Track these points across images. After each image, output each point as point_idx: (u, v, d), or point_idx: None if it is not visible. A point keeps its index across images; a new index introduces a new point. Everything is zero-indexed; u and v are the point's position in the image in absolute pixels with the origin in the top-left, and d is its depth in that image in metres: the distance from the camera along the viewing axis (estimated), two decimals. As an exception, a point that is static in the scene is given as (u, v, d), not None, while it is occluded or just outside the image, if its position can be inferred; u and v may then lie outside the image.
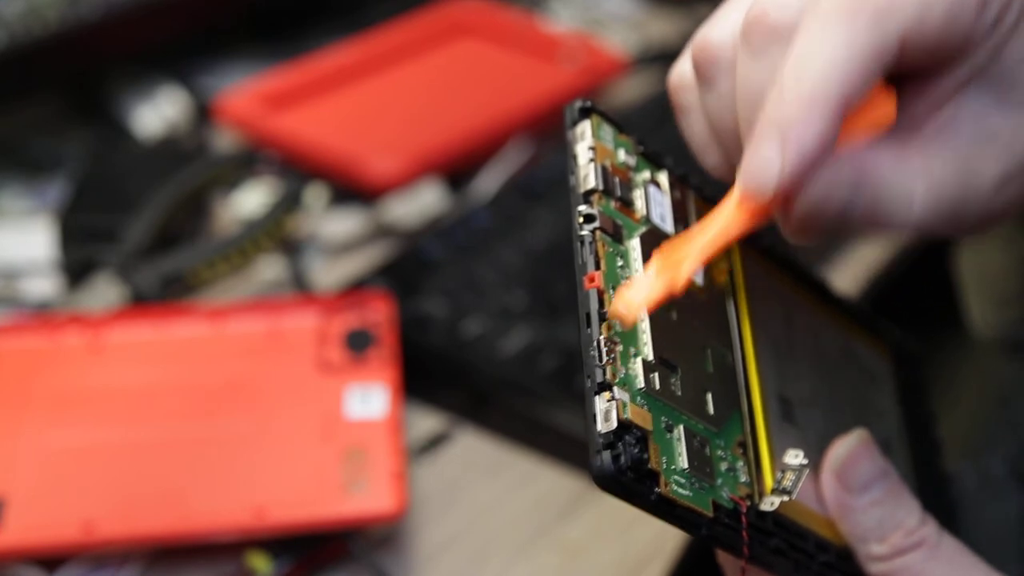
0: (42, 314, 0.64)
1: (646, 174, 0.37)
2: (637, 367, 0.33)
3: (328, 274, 0.69)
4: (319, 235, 0.72)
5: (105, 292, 0.67)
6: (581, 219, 0.34)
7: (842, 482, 0.37)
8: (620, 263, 0.34)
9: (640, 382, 0.32)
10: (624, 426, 0.31)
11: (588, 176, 0.35)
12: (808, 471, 0.35)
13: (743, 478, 0.35)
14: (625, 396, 0.31)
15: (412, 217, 0.72)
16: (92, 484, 0.53)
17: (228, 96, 0.80)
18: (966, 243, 0.65)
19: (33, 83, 0.79)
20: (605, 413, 0.31)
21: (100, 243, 0.68)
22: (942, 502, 0.44)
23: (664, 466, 0.32)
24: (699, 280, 0.37)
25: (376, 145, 0.75)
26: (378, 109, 0.81)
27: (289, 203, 0.70)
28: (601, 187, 0.35)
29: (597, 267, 0.33)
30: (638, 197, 0.36)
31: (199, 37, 0.87)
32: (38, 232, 0.70)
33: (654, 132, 0.78)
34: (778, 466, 0.36)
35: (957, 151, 0.35)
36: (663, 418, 0.33)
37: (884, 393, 0.44)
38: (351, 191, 0.74)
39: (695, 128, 0.38)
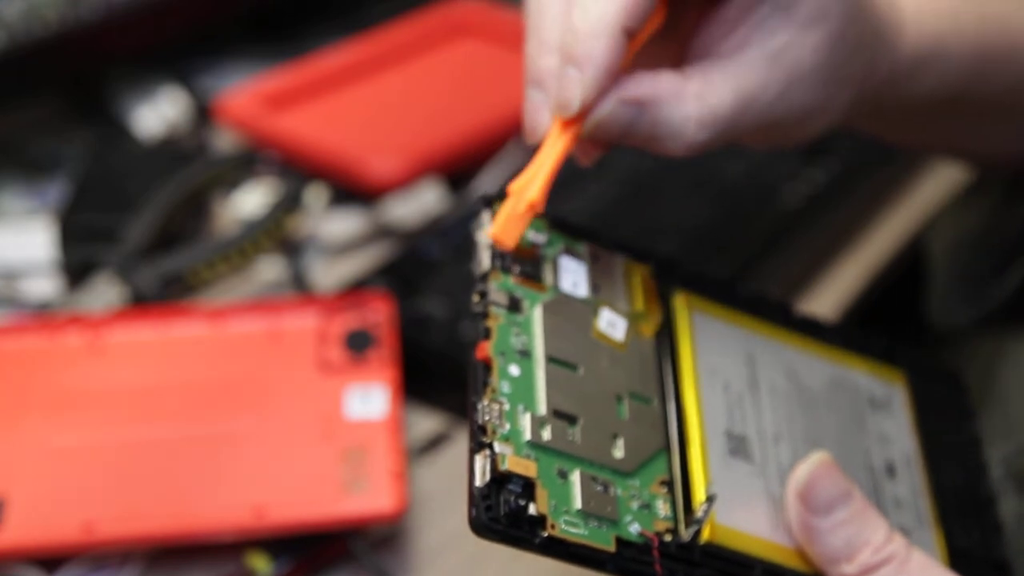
0: (42, 314, 0.64)
1: (559, 247, 0.41)
2: (526, 421, 0.36)
3: (328, 274, 0.69)
4: (319, 235, 0.72)
5: (105, 292, 0.67)
6: (476, 297, 0.38)
7: (806, 504, 0.38)
8: (516, 331, 0.38)
9: (527, 435, 0.35)
10: (504, 477, 0.34)
11: (483, 260, 0.39)
12: (715, 501, 0.37)
13: (663, 514, 0.37)
14: (508, 449, 0.35)
15: (412, 217, 0.72)
16: (92, 484, 0.53)
17: (228, 96, 0.80)
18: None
19: (33, 83, 0.79)
20: (481, 469, 0.34)
21: (100, 243, 0.68)
22: (986, 525, 0.44)
23: (553, 509, 0.35)
24: (619, 336, 0.40)
25: (376, 145, 0.75)
26: (378, 109, 0.81)
27: (289, 203, 0.70)
28: (499, 266, 0.39)
29: (487, 337, 0.37)
30: (547, 270, 0.40)
31: (199, 37, 0.87)
32: (38, 232, 0.70)
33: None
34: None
35: (740, 71, 0.40)
36: (556, 465, 0.36)
37: (893, 418, 0.44)
38: (351, 191, 0.74)
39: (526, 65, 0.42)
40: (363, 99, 0.82)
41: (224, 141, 0.81)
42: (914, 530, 0.42)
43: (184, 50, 0.86)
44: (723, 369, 0.41)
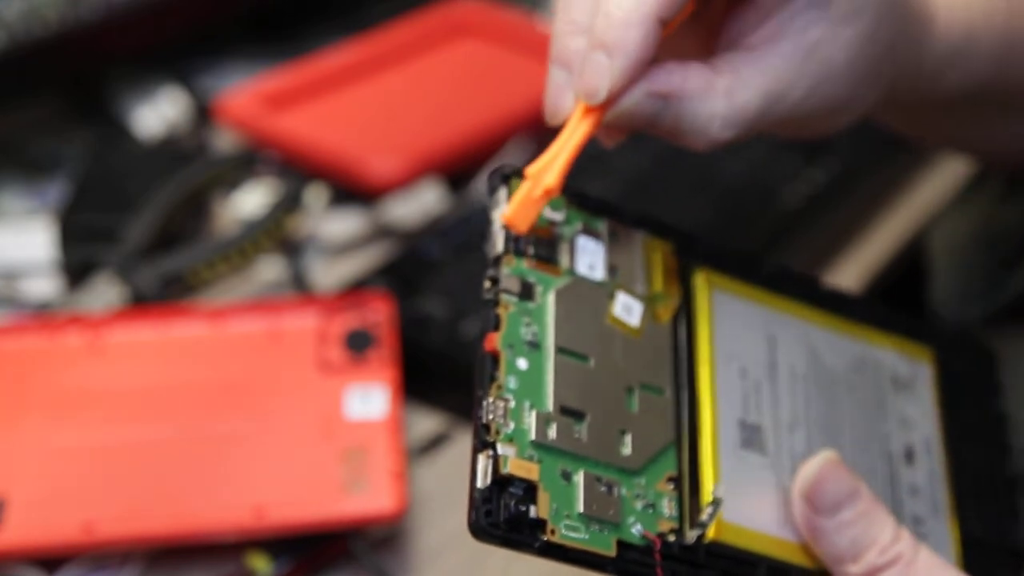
0: (42, 314, 0.64)
1: (578, 225, 0.39)
2: (531, 420, 0.35)
3: (328, 274, 0.69)
4: (319, 235, 0.72)
5: (105, 292, 0.67)
6: (487, 283, 0.37)
7: (811, 504, 0.37)
8: (527, 321, 0.37)
9: (532, 434, 0.35)
10: (505, 480, 0.34)
11: (497, 242, 0.38)
12: (722, 505, 0.36)
13: (668, 512, 0.36)
14: (510, 451, 0.34)
15: (412, 217, 0.72)
16: (92, 484, 0.53)
17: (228, 96, 0.80)
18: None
19: (33, 83, 0.79)
20: (483, 470, 0.34)
21: (100, 243, 0.68)
22: (1004, 509, 0.44)
23: (554, 513, 0.34)
24: (635, 322, 0.39)
25: (376, 145, 0.75)
26: (378, 109, 0.81)
27: (289, 203, 0.70)
28: (512, 249, 0.38)
29: (496, 328, 0.36)
30: (563, 251, 0.39)
31: (199, 37, 0.87)
32: (38, 232, 0.70)
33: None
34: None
35: (772, 67, 0.39)
36: (560, 466, 0.35)
37: (917, 399, 0.44)
38: (351, 191, 0.74)
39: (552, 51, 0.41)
40: (363, 99, 0.82)
41: (224, 141, 0.80)
42: (928, 519, 0.41)
43: (184, 50, 0.86)
44: (741, 353, 0.40)
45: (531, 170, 0.37)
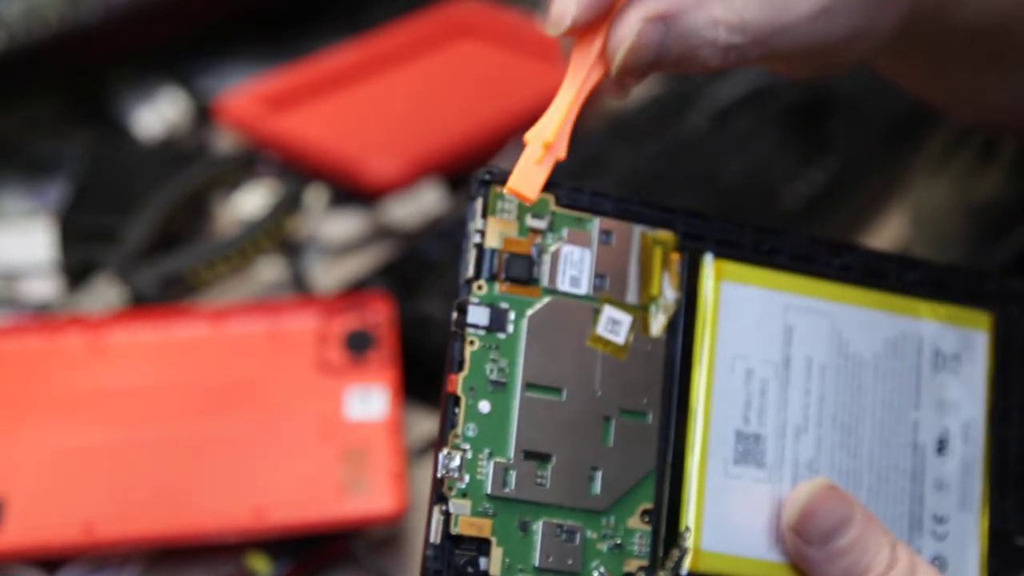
0: (42, 315, 0.64)
1: (563, 232, 0.36)
2: (489, 470, 0.34)
3: (328, 275, 0.69)
4: (319, 236, 0.72)
5: (105, 293, 0.67)
6: (455, 313, 0.35)
7: (800, 536, 0.36)
8: (494, 356, 0.35)
9: (488, 487, 0.34)
10: (455, 538, 0.33)
11: (468, 263, 0.35)
12: (688, 554, 0.35)
13: (637, 550, 0.35)
14: (464, 507, 0.34)
15: (412, 218, 0.72)
16: (92, 484, 0.53)
17: (228, 97, 0.80)
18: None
19: (33, 83, 0.79)
20: (435, 527, 0.33)
21: (100, 244, 0.68)
22: None
23: (506, 568, 0.34)
24: (620, 339, 0.36)
25: (376, 146, 0.76)
26: (378, 110, 0.81)
27: (289, 204, 0.70)
28: (484, 273, 0.35)
29: (460, 369, 0.35)
30: (544, 264, 0.36)
31: (199, 37, 0.87)
32: (38, 233, 0.70)
33: (653, 134, 0.78)
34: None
35: None
36: (518, 517, 0.34)
37: (963, 376, 0.40)
38: (351, 192, 0.74)
39: None
40: (363, 99, 0.82)
41: (224, 142, 0.81)
42: (951, 516, 0.39)
43: (184, 50, 0.86)
44: (749, 352, 0.37)
45: (529, 135, 0.34)
